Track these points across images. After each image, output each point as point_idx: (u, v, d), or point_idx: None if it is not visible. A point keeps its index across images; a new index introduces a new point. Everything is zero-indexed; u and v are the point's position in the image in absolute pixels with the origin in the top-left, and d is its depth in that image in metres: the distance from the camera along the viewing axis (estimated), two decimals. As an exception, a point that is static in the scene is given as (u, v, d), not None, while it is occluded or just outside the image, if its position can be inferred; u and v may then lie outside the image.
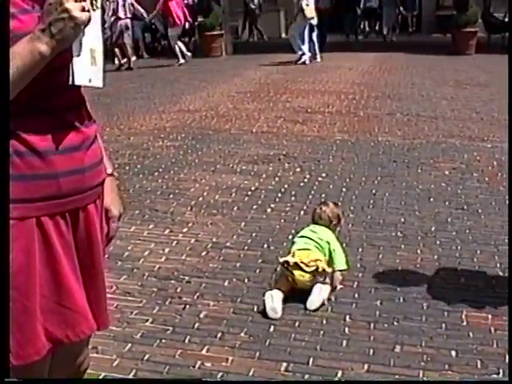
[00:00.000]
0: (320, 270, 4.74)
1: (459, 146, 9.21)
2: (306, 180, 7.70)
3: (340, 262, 4.93)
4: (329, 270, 4.82)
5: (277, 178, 7.78)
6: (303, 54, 19.86)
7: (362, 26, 32.12)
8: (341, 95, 13.77)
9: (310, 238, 4.97)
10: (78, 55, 2.28)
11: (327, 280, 4.82)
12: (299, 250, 4.89)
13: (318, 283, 4.73)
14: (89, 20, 2.19)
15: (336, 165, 8.33)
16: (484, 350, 4.11)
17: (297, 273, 4.76)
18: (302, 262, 4.73)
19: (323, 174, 7.90)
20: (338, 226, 5.34)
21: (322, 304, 4.65)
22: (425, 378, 3.83)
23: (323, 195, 7.03)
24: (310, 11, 19.50)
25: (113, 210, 2.77)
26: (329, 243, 4.95)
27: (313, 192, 7.24)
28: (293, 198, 7.04)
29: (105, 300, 2.73)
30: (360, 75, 17.04)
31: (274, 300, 4.60)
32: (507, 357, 4.01)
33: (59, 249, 2.43)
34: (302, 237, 5.06)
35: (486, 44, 22.51)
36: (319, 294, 4.65)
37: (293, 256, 4.84)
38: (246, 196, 7.13)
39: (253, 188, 7.40)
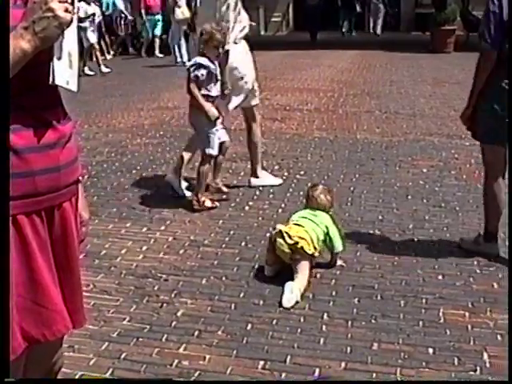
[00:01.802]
0: (299, 246, 4.85)
1: (437, 144, 9.25)
2: (284, 177, 7.69)
3: (337, 246, 5.18)
4: (309, 251, 4.88)
5: (255, 176, 7.75)
6: (178, 55, 19.91)
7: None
8: (319, 93, 13.78)
9: (311, 220, 5.12)
10: (59, 57, 2.28)
11: (300, 274, 4.86)
12: (295, 224, 5.07)
13: (288, 282, 4.78)
14: (70, 22, 2.20)
15: (314, 162, 8.33)
16: (461, 347, 4.13)
17: (278, 240, 4.94)
18: (286, 233, 4.90)
19: (301, 172, 7.91)
20: (331, 209, 5.47)
21: (297, 302, 4.68)
22: (401, 376, 3.84)
23: (301, 193, 7.01)
24: (182, 13, 19.22)
25: (84, 215, 2.78)
26: (327, 228, 5.12)
27: (291, 190, 7.25)
28: (271, 196, 7.04)
29: (81, 298, 2.72)
30: (339, 73, 17.07)
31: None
32: (485, 354, 4.04)
33: (35, 247, 2.41)
34: (302, 217, 5.18)
35: (465, 42, 22.58)
36: (291, 292, 4.69)
37: (286, 225, 5.07)
38: (224, 193, 7.11)
39: (231, 186, 7.38)
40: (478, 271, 5.20)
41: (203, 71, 6.30)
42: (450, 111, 11.49)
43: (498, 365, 3.94)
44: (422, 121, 10.86)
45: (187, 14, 18.76)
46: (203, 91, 6.36)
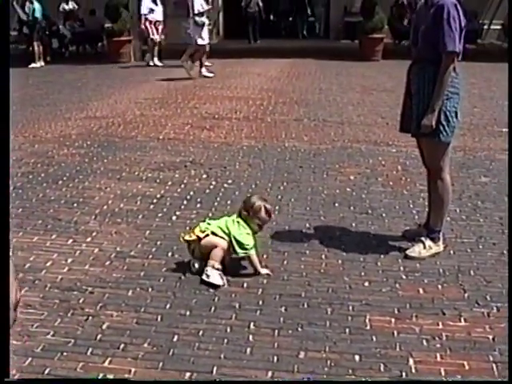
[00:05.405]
0: (195, 233, 5.29)
1: (364, 151, 9.33)
2: (211, 187, 7.67)
3: (237, 249, 5.25)
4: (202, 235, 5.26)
5: (182, 185, 7.73)
6: None
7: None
8: (249, 101, 13.78)
9: (219, 221, 5.46)
10: None
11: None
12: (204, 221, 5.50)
13: (209, 260, 5.16)
14: None
15: (242, 171, 8.33)
16: (387, 353, 4.16)
17: (188, 247, 5.44)
18: (189, 233, 5.40)
19: (229, 181, 7.89)
20: (255, 218, 5.41)
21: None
22: (328, 384, 3.86)
23: (229, 202, 7.02)
24: None
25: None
26: (229, 230, 5.29)
27: (218, 199, 7.22)
28: (198, 205, 7.00)
29: None
30: (268, 81, 17.10)
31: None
32: (411, 360, 4.08)
33: None
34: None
35: (393, 50, 22.89)
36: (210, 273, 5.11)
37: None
38: (151, 204, 7.06)
39: (158, 196, 7.33)
40: (403, 277, 5.25)
41: None
42: (378, 118, 11.58)
43: (424, 370, 3.99)
44: (349, 128, 10.94)
45: None
46: None
